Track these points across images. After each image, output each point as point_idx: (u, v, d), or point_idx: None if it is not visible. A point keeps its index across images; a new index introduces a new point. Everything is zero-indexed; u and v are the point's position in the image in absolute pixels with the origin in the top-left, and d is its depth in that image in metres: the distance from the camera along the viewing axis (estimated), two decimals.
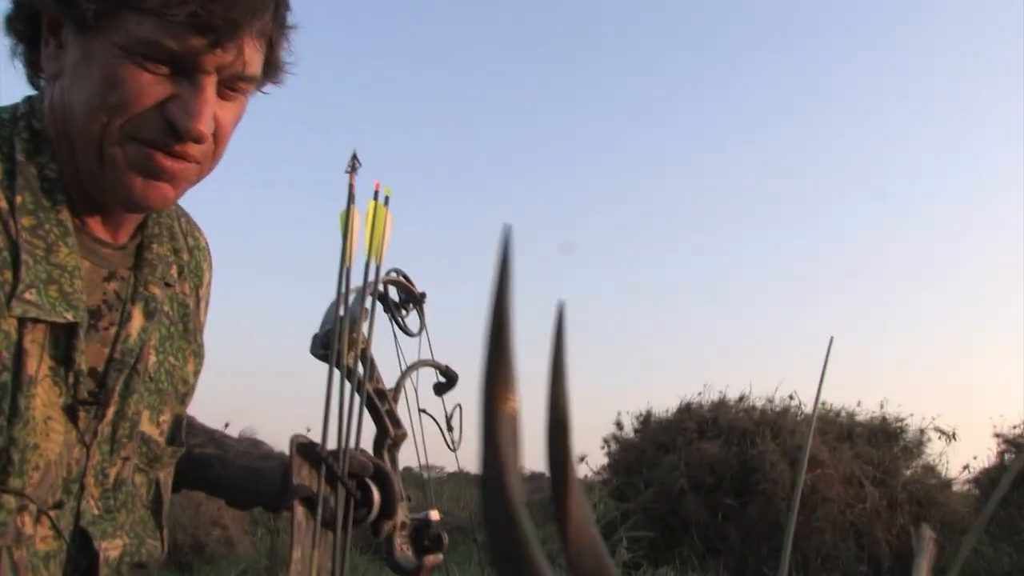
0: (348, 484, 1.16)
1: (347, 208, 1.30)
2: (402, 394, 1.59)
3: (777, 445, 7.84)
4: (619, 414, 9.57)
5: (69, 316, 0.87)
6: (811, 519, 7.38)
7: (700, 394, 9.08)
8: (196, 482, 1.20)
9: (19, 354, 0.83)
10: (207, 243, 1.17)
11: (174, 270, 1.06)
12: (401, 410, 1.53)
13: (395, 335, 1.63)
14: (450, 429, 1.66)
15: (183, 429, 1.07)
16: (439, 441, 1.67)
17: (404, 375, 1.60)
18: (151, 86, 0.86)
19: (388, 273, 1.62)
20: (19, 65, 0.94)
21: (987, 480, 8.14)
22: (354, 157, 1.29)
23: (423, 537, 1.36)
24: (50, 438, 0.86)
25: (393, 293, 1.65)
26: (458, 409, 1.65)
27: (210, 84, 0.88)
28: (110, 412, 0.93)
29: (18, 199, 0.87)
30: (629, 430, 9.46)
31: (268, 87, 1.00)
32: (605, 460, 9.52)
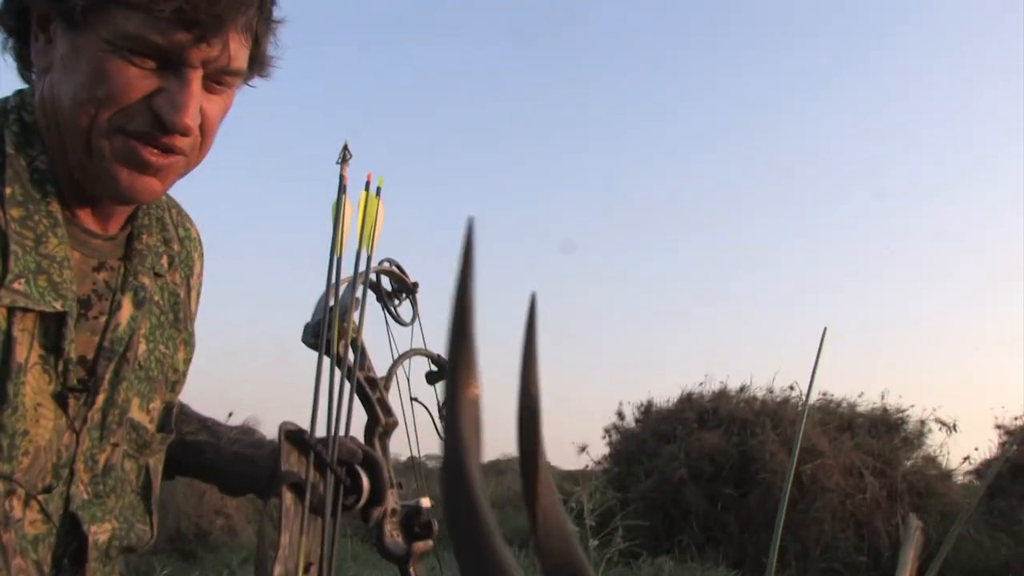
0: (337, 470, 1.18)
1: (338, 198, 1.31)
2: (394, 383, 1.61)
3: (777, 435, 7.86)
4: (621, 404, 9.61)
5: (58, 305, 0.89)
6: (811, 509, 7.40)
7: (701, 384, 9.11)
8: (189, 468, 1.22)
9: (8, 342, 0.85)
10: (198, 234, 1.19)
11: (164, 260, 1.08)
12: (393, 399, 1.55)
13: (387, 324, 1.65)
14: (442, 418, 1.68)
15: (173, 416, 1.09)
16: (431, 430, 1.69)
17: (396, 364, 1.61)
18: (138, 80, 0.87)
19: (381, 263, 1.64)
20: (10, 59, 0.96)
21: (988, 471, 8.15)
22: (345, 148, 1.31)
23: (414, 524, 1.38)
24: (40, 424, 0.88)
25: (386, 283, 1.67)
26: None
27: (196, 78, 0.90)
28: (100, 399, 0.95)
29: (7, 191, 0.89)
30: (630, 420, 9.49)
31: (255, 80, 1.02)
32: (607, 450, 9.56)
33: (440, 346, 1.67)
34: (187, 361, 1.11)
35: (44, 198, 0.91)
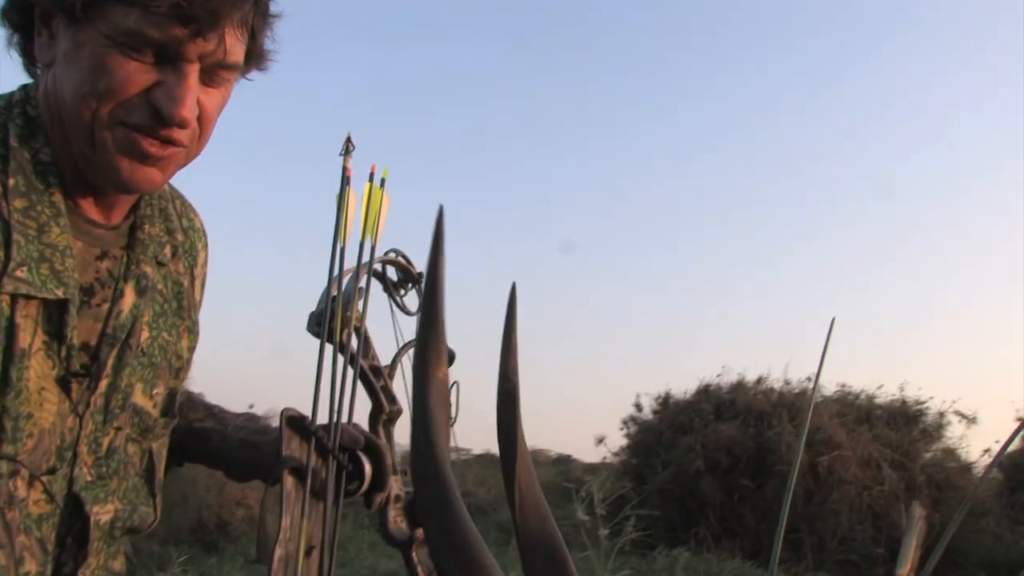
0: (339, 456, 1.20)
1: (341, 190, 1.33)
2: (399, 371, 1.64)
3: (794, 427, 7.85)
4: (638, 396, 9.62)
5: (60, 293, 0.91)
6: (827, 501, 7.39)
7: (719, 376, 9.10)
8: (196, 454, 1.25)
9: (11, 328, 0.88)
10: (202, 224, 1.21)
11: (168, 250, 1.10)
12: (398, 388, 1.58)
13: (393, 313, 1.68)
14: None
15: (177, 402, 1.11)
16: None
17: (400, 352, 1.64)
18: (137, 74, 0.90)
19: (387, 253, 1.66)
20: (15, 54, 0.99)
21: (1010, 464, 8.09)
22: (348, 140, 1.32)
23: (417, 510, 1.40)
24: (44, 408, 0.91)
25: (392, 273, 1.69)
26: (455, 386, 1.68)
27: (193, 72, 0.92)
28: (103, 384, 0.97)
29: (11, 182, 0.91)
30: (648, 412, 9.50)
31: (254, 74, 1.04)
32: (624, 441, 9.57)
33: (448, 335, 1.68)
34: (191, 349, 1.14)
35: (47, 189, 0.94)
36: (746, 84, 17.40)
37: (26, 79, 1.01)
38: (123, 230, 1.04)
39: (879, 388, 8.78)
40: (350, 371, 1.27)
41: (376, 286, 1.64)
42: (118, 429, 1.00)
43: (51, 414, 0.92)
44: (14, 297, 0.88)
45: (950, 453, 8.29)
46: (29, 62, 0.99)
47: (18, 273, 0.88)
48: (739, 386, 8.88)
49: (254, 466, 1.22)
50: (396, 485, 1.48)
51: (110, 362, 0.98)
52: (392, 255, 1.67)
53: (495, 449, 0.67)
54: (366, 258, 1.38)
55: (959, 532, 7.02)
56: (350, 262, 1.34)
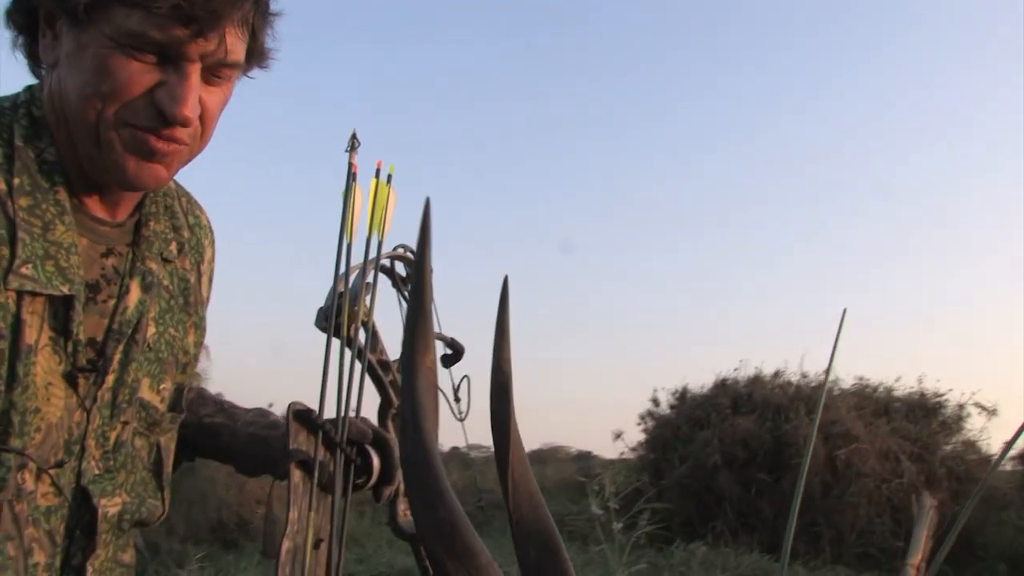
0: (346, 449, 1.21)
1: (347, 186, 1.34)
2: None
3: (811, 420, 7.81)
4: (655, 390, 9.60)
5: (65, 289, 0.93)
6: (846, 494, 7.35)
7: (736, 370, 9.07)
8: (206, 450, 1.27)
9: (18, 324, 0.89)
10: (208, 221, 1.23)
11: (174, 247, 1.12)
12: None
13: (401, 308, 1.68)
14: (457, 400, 1.71)
15: (184, 397, 1.13)
16: (446, 411, 1.72)
17: None
18: (140, 74, 0.92)
19: (395, 249, 1.67)
20: (20, 56, 1.00)
21: (1004, 451, 8.00)
22: (353, 136, 1.33)
23: None
24: (51, 403, 0.93)
25: (400, 268, 1.70)
26: (465, 380, 1.69)
27: (195, 71, 0.94)
28: (110, 379, 0.99)
29: (16, 181, 0.93)
30: (665, 406, 9.48)
31: (256, 72, 1.06)
32: (642, 436, 9.56)
33: (454, 330, 1.69)
34: (198, 344, 1.15)
35: (52, 187, 0.96)
36: (746, 84, 17.34)
37: (31, 80, 1.03)
38: (128, 227, 1.05)
39: (897, 380, 8.74)
40: (358, 366, 1.28)
41: (384, 282, 1.65)
42: (125, 423, 1.02)
43: (58, 409, 0.94)
44: (20, 294, 0.89)
45: (970, 445, 8.23)
46: (34, 63, 1.01)
47: (23, 270, 0.90)
48: (756, 380, 8.85)
49: (263, 461, 1.23)
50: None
51: (116, 357, 0.99)
52: (400, 251, 1.68)
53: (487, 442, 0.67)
54: (373, 254, 1.38)
55: (979, 525, 6.97)
56: (357, 258, 1.35)
